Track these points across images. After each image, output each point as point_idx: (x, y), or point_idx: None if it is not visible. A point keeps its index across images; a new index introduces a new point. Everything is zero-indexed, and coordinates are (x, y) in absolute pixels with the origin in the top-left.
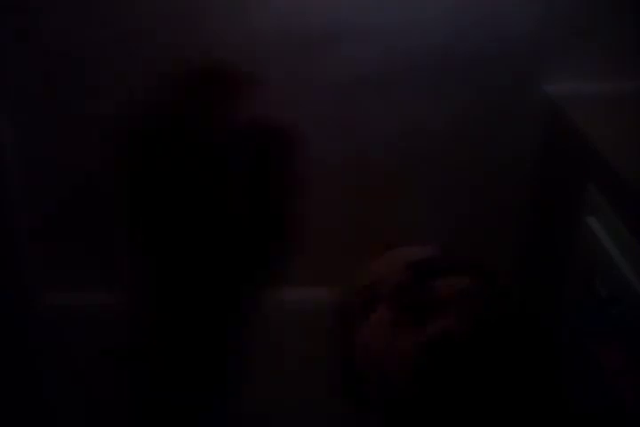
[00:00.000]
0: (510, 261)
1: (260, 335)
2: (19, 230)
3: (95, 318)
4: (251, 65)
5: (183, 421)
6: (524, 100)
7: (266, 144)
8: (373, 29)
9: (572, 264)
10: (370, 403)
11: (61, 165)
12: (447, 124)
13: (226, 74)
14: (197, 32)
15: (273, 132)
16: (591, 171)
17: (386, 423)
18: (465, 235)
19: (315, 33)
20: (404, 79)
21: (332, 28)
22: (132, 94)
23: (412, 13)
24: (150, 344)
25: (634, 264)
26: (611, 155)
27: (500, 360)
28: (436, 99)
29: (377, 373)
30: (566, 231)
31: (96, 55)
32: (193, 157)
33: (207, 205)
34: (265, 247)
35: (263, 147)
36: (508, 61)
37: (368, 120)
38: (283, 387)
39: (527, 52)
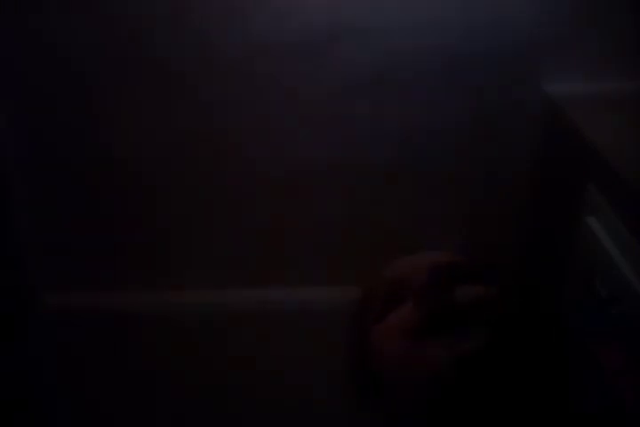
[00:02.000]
0: (510, 261)
1: (261, 335)
2: (19, 230)
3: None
4: (250, 65)
5: None
6: (524, 100)
7: None
8: (373, 29)
9: (572, 264)
10: (380, 395)
11: (62, 164)
12: (447, 124)
13: None
14: (197, 32)
15: None
16: (591, 171)
17: (398, 420)
18: (465, 235)
19: (315, 33)
20: (404, 79)
21: (332, 28)
22: None
23: (412, 14)
24: None
25: (634, 264)
26: (611, 155)
27: (519, 362)
28: (436, 99)
29: (394, 375)
30: (566, 231)
31: (96, 55)
32: None
33: None
34: None
35: None
36: (508, 61)
37: (368, 120)
38: (283, 387)
39: (527, 52)
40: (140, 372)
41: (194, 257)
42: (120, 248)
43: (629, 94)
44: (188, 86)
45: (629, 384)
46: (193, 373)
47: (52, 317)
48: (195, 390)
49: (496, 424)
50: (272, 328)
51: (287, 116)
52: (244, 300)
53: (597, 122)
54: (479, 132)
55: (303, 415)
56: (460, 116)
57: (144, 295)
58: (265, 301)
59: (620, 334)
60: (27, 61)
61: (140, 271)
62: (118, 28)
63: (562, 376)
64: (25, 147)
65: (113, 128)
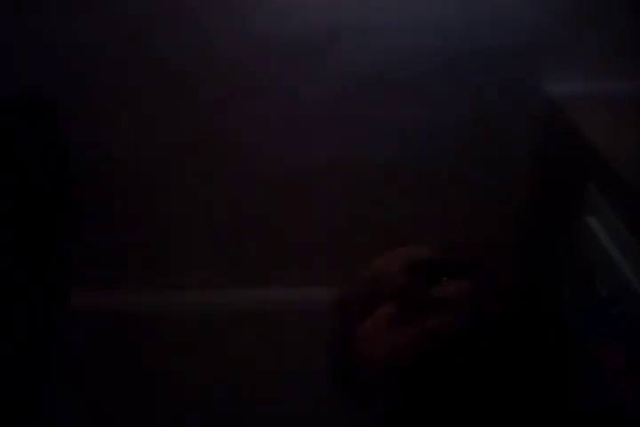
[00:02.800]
0: (510, 261)
1: (261, 335)
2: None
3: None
4: (250, 65)
5: None
6: (524, 100)
7: None
8: (373, 29)
9: (572, 264)
10: (364, 395)
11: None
12: (447, 124)
13: None
14: (197, 32)
15: None
16: (591, 171)
17: (383, 419)
18: (465, 235)
19: (315, 33)
20: (404, 79)
21: (332, 28)
22: None
23: (412, 14)
24: None
25: (634, 264)
26: (611, 155)
27: (498, 358)
28: (435, 99)
29: (376, 368)
30: (566, 231)
31: (96, 55)
32: None
33: None
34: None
35: None
36: (508, 61)
37: (368, 120)
38: (283, 387)
39: (527, 52)
40: (140, 372)
41: (194, 257)
42: (120, 248)
43: (629, 94)
44: (188, 86)
45: (629, 384)
46: (193, 373)
47: (52, 317)
48: (195, 390)
49: (496, 424)
50: (272, 328)
51: (287, 116)
52: (244, 300)
53: (597, 122)
54: (479, 132)
55: (303, 415)
56: (460, 116)
57: (144, 295)
58: (265, 301)
59: (620, 334)
60: (27, 61)
61: (140, 271)
62: (118, 28)
63: (562, 376)
64: None
65: (113, 128)
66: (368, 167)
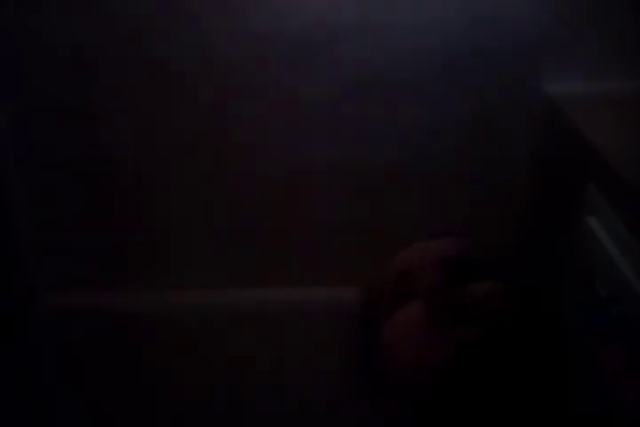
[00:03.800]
0: (510, 261)
1: (261, 335)
2: (19, 230)
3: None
4: (250, 65)
5: None
6: (524, 100)
7: None
8: (373, 29)
9: (572, 264)
10: (391, 396)
11: (62, 164)
12: (447, 124)
13: None
14: (197, 32)
15: None
16: (591, 171)
17: (408, 418)
18: (465, 235)
19: (315, 33)
20: (405, 79)
21: (332, 28)
22: None
23: (412, 13)
24: None
25: (634, 264)
26: (611, 155)
27: (520, 361)
28: (435, 99)
29: (405, 368)
30: (566, 231)
31: (96, 55)
32: None
33: None
34: None
35: None
36: (508, 61)
37: (368, 120)
38: (283, 387)
39: (527, 52)
40: (140, 372)
41: (194, 257)
42: (120, 248)
43: (629, 94)
44: (188, 86)
45: (629, 384)
46: (193, 373)
47: (51, 317)
48: (195, 390)
49: (496, 424)
50: (272, 328)
51: (287, 116)
52: (244, 300)
53: (597, 122)
54: (479, 132)
55: (303, 415)
56: (460, 116)
57: (144, 295)
58: (265, 301)
59: (620, 334)
60: (27, 61)
61: (140, 271)
62: (118, 28)
63: (562, 376)
64: (25, 147)
65: (113, 128)
66: (368, 167)
